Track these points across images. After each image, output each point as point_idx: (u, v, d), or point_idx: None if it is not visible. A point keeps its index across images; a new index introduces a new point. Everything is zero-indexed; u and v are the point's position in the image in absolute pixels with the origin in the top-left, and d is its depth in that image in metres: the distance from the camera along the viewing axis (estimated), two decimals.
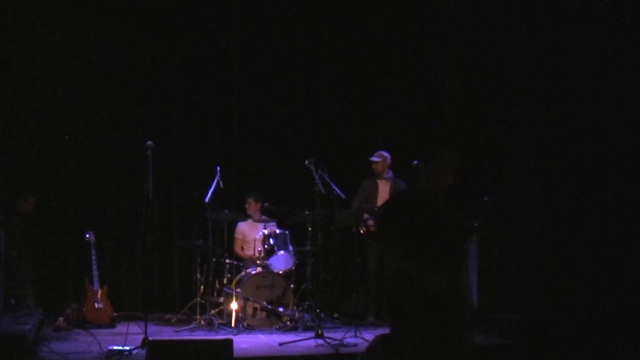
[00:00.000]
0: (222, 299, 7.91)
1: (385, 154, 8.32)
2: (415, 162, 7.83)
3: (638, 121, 6.74)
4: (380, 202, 8.19)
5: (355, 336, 6.85)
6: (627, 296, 6.50)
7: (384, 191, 8.25)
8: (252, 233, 8.35)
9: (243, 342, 6.70)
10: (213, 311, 7.71)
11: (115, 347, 6.05)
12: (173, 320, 7.96)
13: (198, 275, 7.91)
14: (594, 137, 7.10)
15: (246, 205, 8.49)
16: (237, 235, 8.52)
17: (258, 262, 7.95)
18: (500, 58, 8.33)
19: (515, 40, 8.05)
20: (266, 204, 8.44)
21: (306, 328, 7.36)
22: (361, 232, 8.06)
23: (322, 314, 7.43)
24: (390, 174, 8.32)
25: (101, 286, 7.70)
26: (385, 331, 7.01)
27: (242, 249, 8.49)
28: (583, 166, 7.17)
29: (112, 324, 7.59)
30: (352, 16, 9.48)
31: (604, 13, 7.00)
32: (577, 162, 7.25)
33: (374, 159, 8.27)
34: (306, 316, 7.69)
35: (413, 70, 9.50)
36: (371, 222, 8.01)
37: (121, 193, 8.84)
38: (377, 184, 8.30)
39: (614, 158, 6.87)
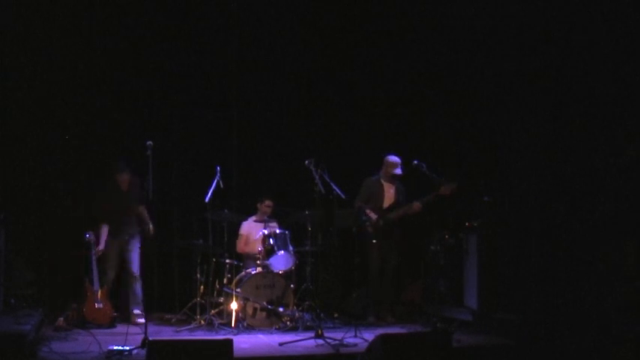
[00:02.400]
0: (222, 299, 7.90)
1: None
2: (415, 162, 7.87)
3: (637, 121, 6.75)
4: (386, 203, 8.18)
5: (355, 336, 6.84)
6: (626, 295, 6.51)
7: (389, 192, 8.24)
8: (256, 233, 8.35)
9: (243, 342, 6.69)
10: (213, 311, 7.71)
11: (115, 347, 6.05)
12: (173, 320, 7.95)
13: (198, 275, 7.90)
14: (594, 137, 7.10)
15: (261, 206, 8.43)
16: (242, 232, 8.50)
17: (258, 262, 7.95)
18: (499, 58, 8.33)
19: (514, 40, 8.05)
20: None
21: (306, 328, 7.36)
22: (369, 230, 8.04)
23: (322, 314, 7.44)
24: None
25: (101, 286, 7.70)
26: (385, 331, 7.06)
27: (246, 246, 8.45)
28: (583, 166, 7.17)
29: (112, 324, 7.58)
30: (352, 16, 9.48)
31: (605, 11, 7.01)
32: (577, 162, 7.26)
33: (400, 172, 8.12)
34: (306, 316, 7.69)
35: (412, 69, 9.50)
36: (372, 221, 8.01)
37: None
38: (382, 185, 8.26)
39: (614, 158, 6.87)
